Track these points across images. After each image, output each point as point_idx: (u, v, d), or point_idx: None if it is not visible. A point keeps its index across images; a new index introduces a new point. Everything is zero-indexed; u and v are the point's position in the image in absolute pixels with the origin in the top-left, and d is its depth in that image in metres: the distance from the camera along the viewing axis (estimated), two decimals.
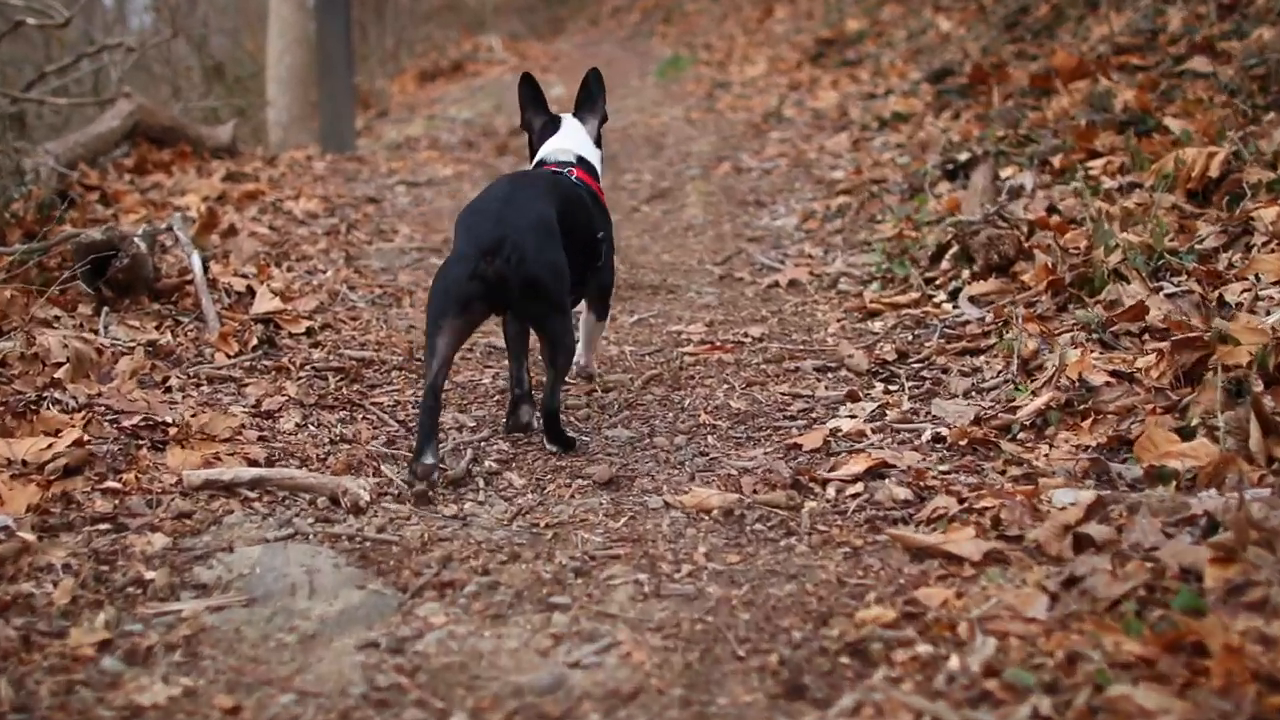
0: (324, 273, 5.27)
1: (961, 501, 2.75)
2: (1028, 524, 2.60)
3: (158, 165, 7.40)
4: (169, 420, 3.35)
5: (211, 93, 9.72)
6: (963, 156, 5.95)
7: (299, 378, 3.91)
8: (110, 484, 2.95)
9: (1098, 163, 5.20)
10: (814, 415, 3.52)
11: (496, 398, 3.81)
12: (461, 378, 4.00)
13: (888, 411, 3.45)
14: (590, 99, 3.82)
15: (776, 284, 5.03)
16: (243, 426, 3.39)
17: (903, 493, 2.84)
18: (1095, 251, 4.08)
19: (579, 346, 3.61)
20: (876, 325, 4.33)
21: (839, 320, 4.46)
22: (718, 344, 4.26)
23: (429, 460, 3.06)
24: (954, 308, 4.25)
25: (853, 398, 3.58)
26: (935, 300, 4.39)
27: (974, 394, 3.53)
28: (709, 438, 3.39)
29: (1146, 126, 5.49)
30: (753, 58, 12.46)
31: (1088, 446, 3.01)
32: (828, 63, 10.75)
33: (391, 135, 10.21)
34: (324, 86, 9.51)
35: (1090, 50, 7.14)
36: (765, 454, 3.22)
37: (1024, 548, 2.52)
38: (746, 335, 4.36)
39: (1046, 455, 2.99)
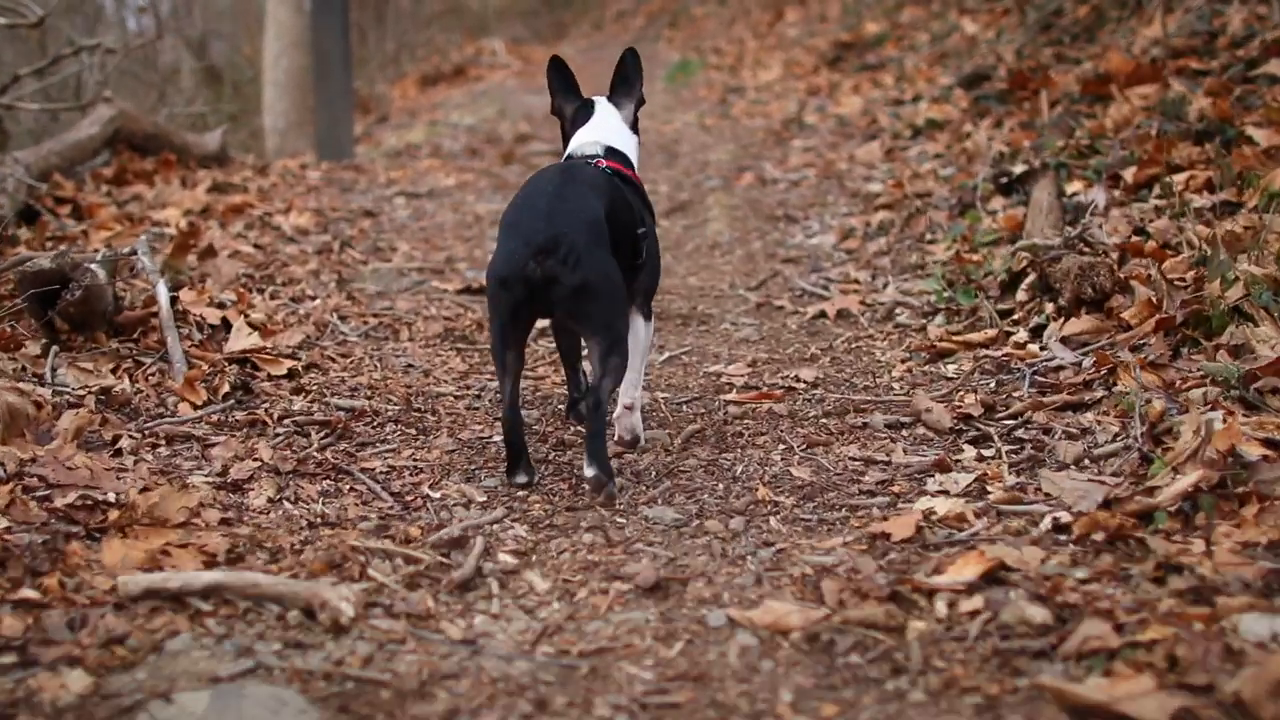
0: (313, 299, 4.58)
1: (1118, 628, 2.07)
2: (1216, 665, 1.93)
3: (139, 175, 6.72)
4: (112, 498, 2.67)
5: (201, 97, 9.04)
6: (1018, 169, 5.27)
7: (276, 435, 3.23)
8: (26, 592, 2.27)
9: (1179, 178, 4.52)
10: (896, 489, 2.84)
11: None
12: (466, 434, 3.31)
13: (988, 487, 2.77)
14: (626, 80, 3.39)
15: (823, 314, 4.35)
16: (202, 505, 2.71)
17: (1037, 612, 2.16)
18: (1209, 285, 3.41)
19: (625, 376, 3.00)
20: (950, 368, 3.65)
21: (903, 361, 3.78)
22: (765, 390, 3.58)
23: (521, 479, 2.94)
24: (1041, 349, 3.58)
25: (942, 467, 2.90)
26: (1016, 339, 3.71)
27: (1088, 463, 2.85)
28: (771, 519, 2.71)
29: (1227, 137, 4.82)
30: (765, 62, 11.78)
31: (1258, 544, 2.33)
32: (847, 67, 10.07)
33: (391, 142, 9.53)
34: (320, 91, 8.82)
35: (1143, 53, 6.47)
36: (845, 545, 2.54)
37: (1220, 704, 1.84)
38: (797, 379, 3.68)
39: (1209, 556, 2.31)
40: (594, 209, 2.88)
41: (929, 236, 5.08)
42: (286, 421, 3.31)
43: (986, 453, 2.98)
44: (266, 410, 3.39)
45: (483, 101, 12.03)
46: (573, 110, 3.40)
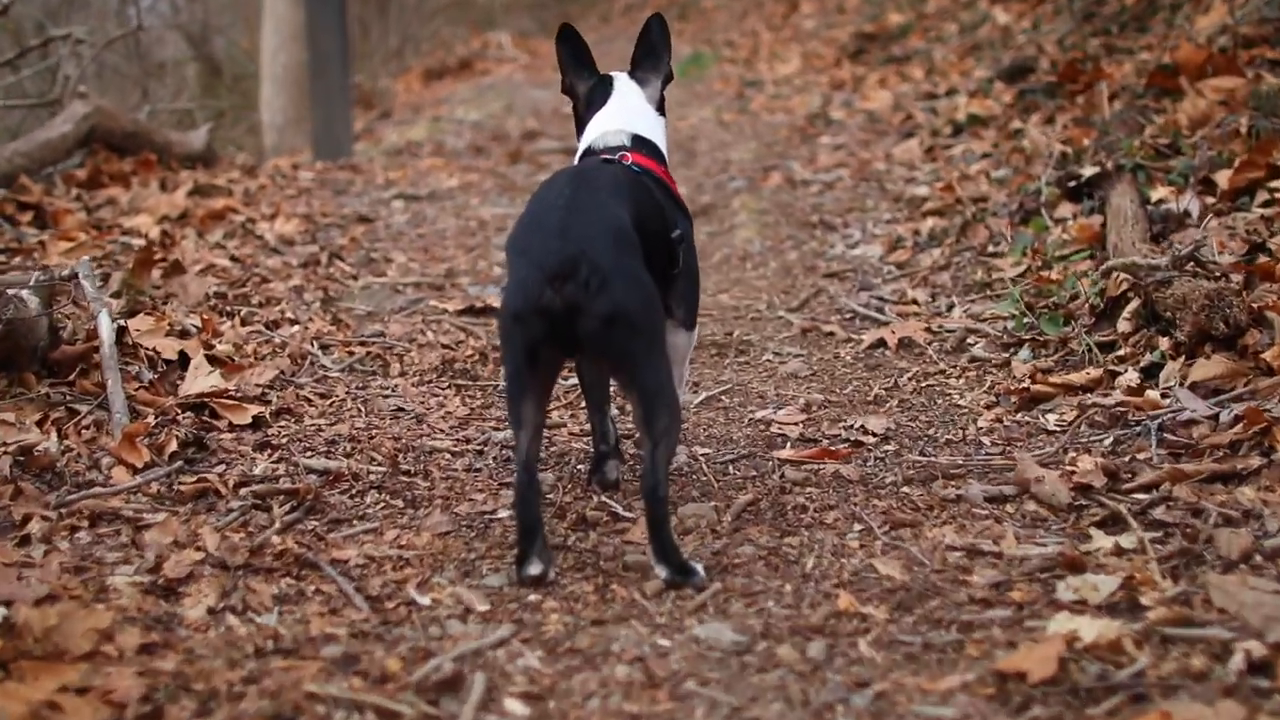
0: (293, 324, 3.90)
1: None
2: None
3: (115, 177, 6.05)
4: (2, 613, 1.99)
5: (188, 92, 8.35)
6: (1086, 171, 4.57)
7: (229, 510, 2.54)
8: None
9: None
10: (1017, 595, 2.15)
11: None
12: (465, 507, 2.63)
13: (1141, 597, 2.08)
14: (652, 52, 2.83)
15: (882, 344, 3.66)
16: (118, 623, 2.03)
17: None
18: None
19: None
20: (1049, 419, 2.96)
21: (989, 407, 3.09)
22: (828, 448, 2.90)
23: (534, 570, 2.23)
24: (1164, 396, 2.89)
25: (1072, 565, 2.21)
26: (1126, 382, 3.02)
27: (1261, 561, 2.17)
28: (861, 642, 2.02)
29: None
30: (783, 54, 11.06)
31: None
32: (871, 59, 9.36)
33: (392, 139, 8.83)
34: (316, 85, 8.13)
35: (1209, 43, 5.77)
36: (966, 688, 1.86)
37: None
38: (864, 430, 2.99)
39: None
40: (617, 217, 2.32)
41: (992, 248, 4.38)
42: (244, 491, 2.62)
43: (1125, 543, 2.28)
44: (221, 475, 2.71)
45: (489, 96, 11.33)
46: (587, 89, 2.82)
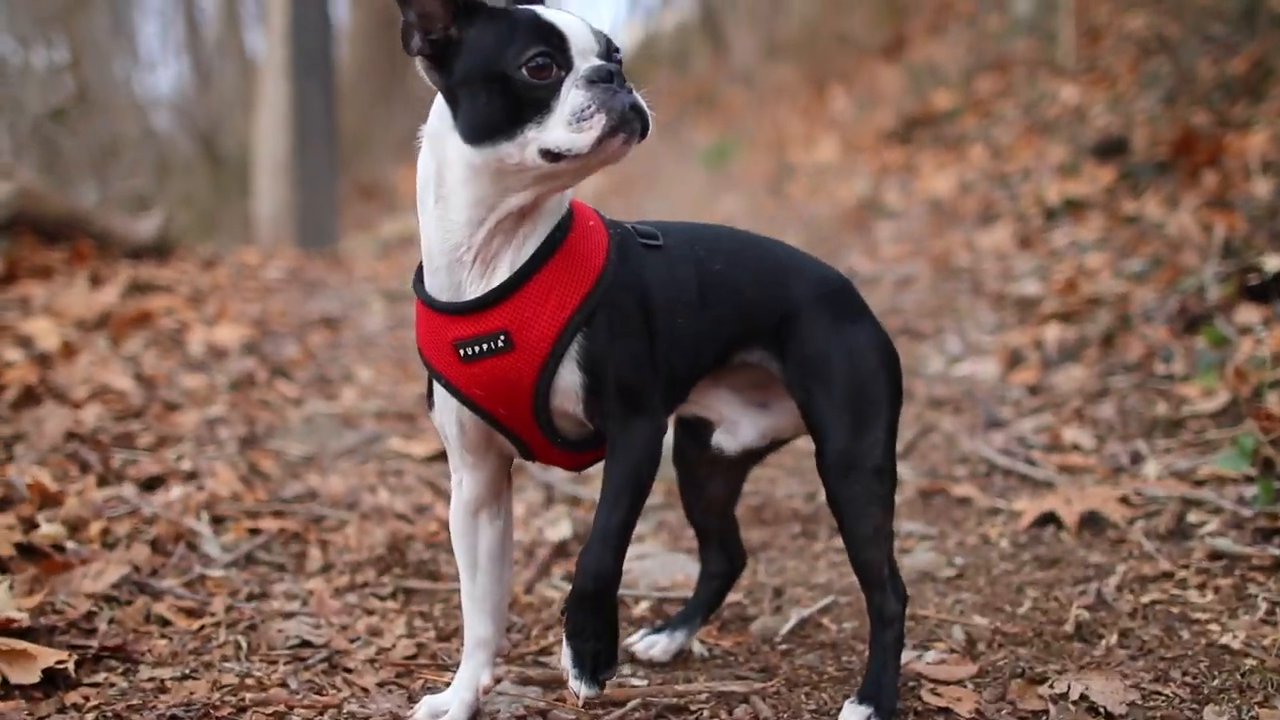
0: (187, 479, 2.63)
1: None
2: None
3: (38, 271, 4.85)
4: None
5: (142, 173, 7.22)
6: (1272, 263, 3.32)
7: None
8: None
9: None
10: None
11: None
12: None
13: None
14: None
15: (1053, 520, 2.36)
16: None
17: None
18: None
19: None
20: None
21: None
22: None
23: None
24: None
25: None
26: None
27: None
28: None
29: None
30: (817, 140, 9.92)
31: None
32: (920, 142, 8.19)
33: (388, 230, 7.66)
34: (301, 169, 7.05)
35: None
36: None
37: None
38: (1089, 707, 1.68)
39: None
40: None
41: (1162, 368, 3.10)
42: None
43: None
44: None
45: None
46: None
